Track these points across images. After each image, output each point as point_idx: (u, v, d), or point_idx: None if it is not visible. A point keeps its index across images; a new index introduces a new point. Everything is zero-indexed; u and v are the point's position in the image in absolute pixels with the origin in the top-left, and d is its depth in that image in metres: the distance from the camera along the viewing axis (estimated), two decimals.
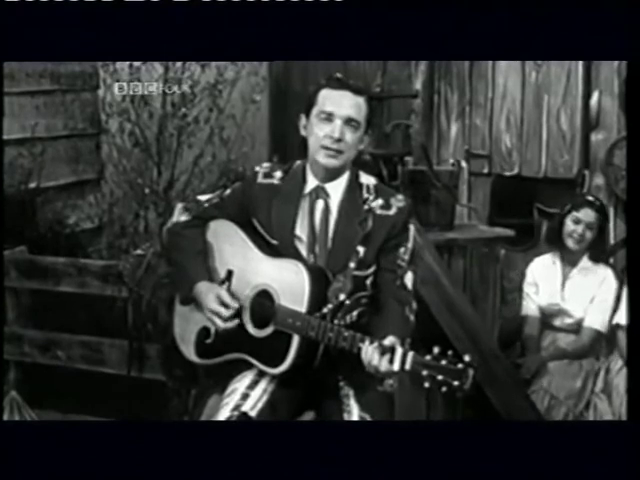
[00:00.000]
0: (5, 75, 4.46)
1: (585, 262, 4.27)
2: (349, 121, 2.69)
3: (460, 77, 5.21)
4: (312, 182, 2.78)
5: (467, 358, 2.42)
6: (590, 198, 4.39)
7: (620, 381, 4.00)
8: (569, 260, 4.29)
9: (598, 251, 4.27)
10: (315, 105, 2.73)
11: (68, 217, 5.01)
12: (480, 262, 4.26)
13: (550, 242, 4.43)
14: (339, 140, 2.69)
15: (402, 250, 2.75)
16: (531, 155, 5.11)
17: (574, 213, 4.22)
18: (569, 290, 4.27)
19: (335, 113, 2.69)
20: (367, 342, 2.54)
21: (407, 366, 2.47)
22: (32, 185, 4.83)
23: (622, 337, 4.03)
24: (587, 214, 4.21)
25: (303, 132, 2.79)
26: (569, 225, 4.23)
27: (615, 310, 4.15)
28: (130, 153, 4.86)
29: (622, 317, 4.03)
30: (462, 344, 3.63)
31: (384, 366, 2.50)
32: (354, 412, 2.67)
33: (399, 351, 2.48)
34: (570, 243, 4.23)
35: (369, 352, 2.53)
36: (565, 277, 4.29)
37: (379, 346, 2.51)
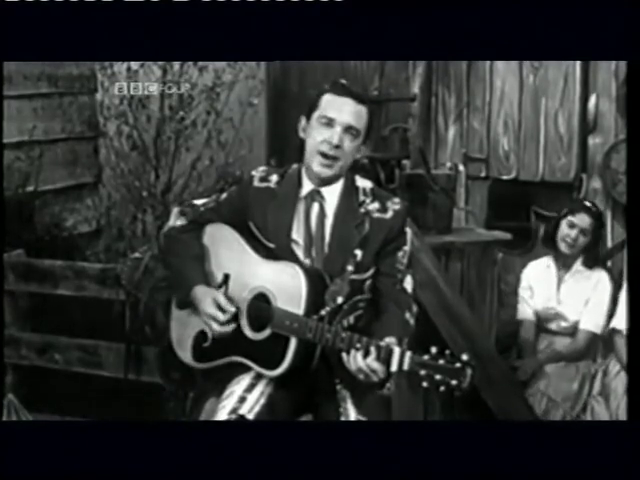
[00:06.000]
0: (3, 78, 4.46)
1: (579, 266, 4.27)
2: (349, 129, 2.69)
3: (457, 80, 5.21)
4: (308, 186, 2.77)
5: (465, 357, 2.43)
6: (587, 203, 4.38)
7: (618, 384, 4.00)
8: (563, 264, 4.29)
9: (592, 257, 4.26)
10: (317, 109, 2.72)
11: (66, 220, 5.01)
12: (477, 265, 4.26)
13: (545, 245, 4.44)
14: (337, 147, 2.68)
15: (400, 254, 2.75)
16: (528, 158, 5.11)
17: (570, 217, 4.22)
18: (564, 293, 4.27)
19: (336, 119, 2.68)
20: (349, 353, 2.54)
21: (405, 366, 2.46)
22: (30, 188, 4.84)
23: (619, 342, 4.03)
24: (583, 219, 4.20)
25: (302, 134, 2.78)
26: (564, 229, 4.22)
27: (611, 313, 4.16)
28: (128, 156, 4.87)
29: (619, 321, 4.03)
30: (459, 347, 3.63)
31: (373, 365, 2.50)
32: (351, 415, 2.67)
33: (397, 351, 2.48)
34: (563, 247, 4.23)
35: (351, 359, 2.53)
36: (560, 280, 4.29)
37: (363, 347, 2.51)
